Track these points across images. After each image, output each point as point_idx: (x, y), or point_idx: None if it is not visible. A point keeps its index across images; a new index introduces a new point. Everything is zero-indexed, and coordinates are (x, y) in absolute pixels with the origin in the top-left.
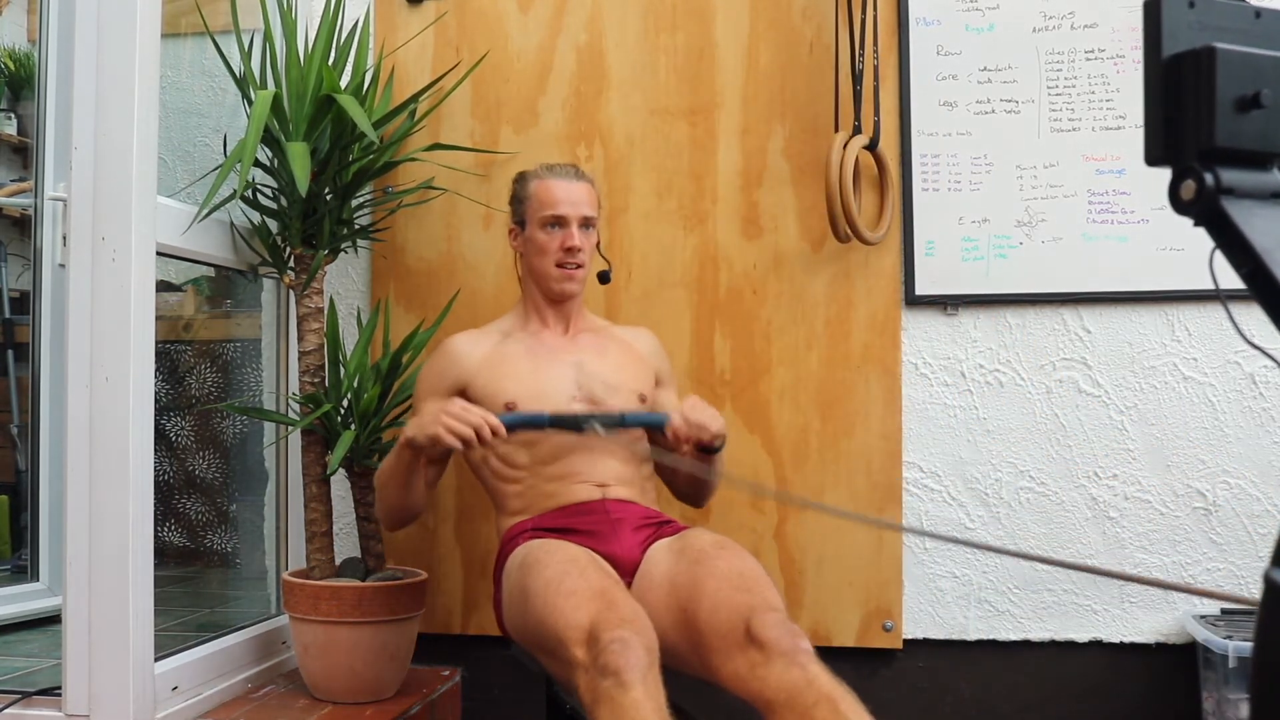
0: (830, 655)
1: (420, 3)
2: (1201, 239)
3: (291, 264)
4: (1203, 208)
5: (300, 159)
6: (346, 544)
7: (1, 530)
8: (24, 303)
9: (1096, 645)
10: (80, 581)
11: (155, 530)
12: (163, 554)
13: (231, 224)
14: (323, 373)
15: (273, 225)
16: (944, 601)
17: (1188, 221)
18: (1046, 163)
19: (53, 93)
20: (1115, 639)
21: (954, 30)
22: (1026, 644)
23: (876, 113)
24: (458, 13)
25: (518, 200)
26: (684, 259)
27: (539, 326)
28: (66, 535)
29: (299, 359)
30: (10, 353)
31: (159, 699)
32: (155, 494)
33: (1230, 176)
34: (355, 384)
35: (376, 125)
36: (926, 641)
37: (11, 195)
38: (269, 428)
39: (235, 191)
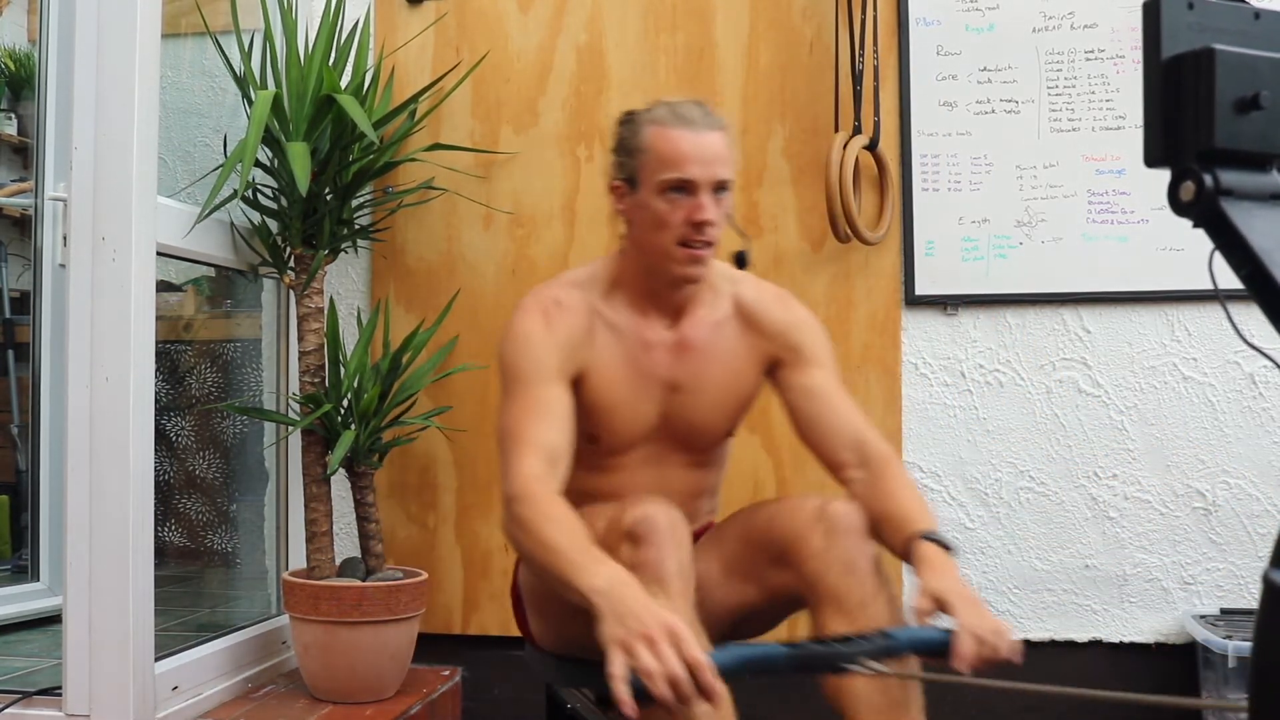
0: None
1: (420, 3)
2: (1201, 239)
3: (292, 264)
4: (1202, 209)
5: (300, 159)
6: (346, 544)
7: (2, 530)
8: (24, 303)
9: (1096, 645)
10: (80, 581)
11: (155, 530)
12: (163, 554)
13: (232, 224)
14: (323, 373)
15: (273, 225)
16: None
17: (1187, 222)
18: (1046, 163)
19: (53, 93)
20: (1115, 639)
21: (954, 30)
22: (1026, 644)
23: (876, 113)
24: (458, 13)
25: (626, 150)
26: None
27: (636, 317)
28: (67, 535)
29: (299, 359)
30: (11, 353)
31: (159, 699)
32: (155, 494)
33: (1229, 178)
34: (355, 384)
35: (376, 125)
36: None
37: (12, 195)
38: (269, 428)
39: (235, 192)
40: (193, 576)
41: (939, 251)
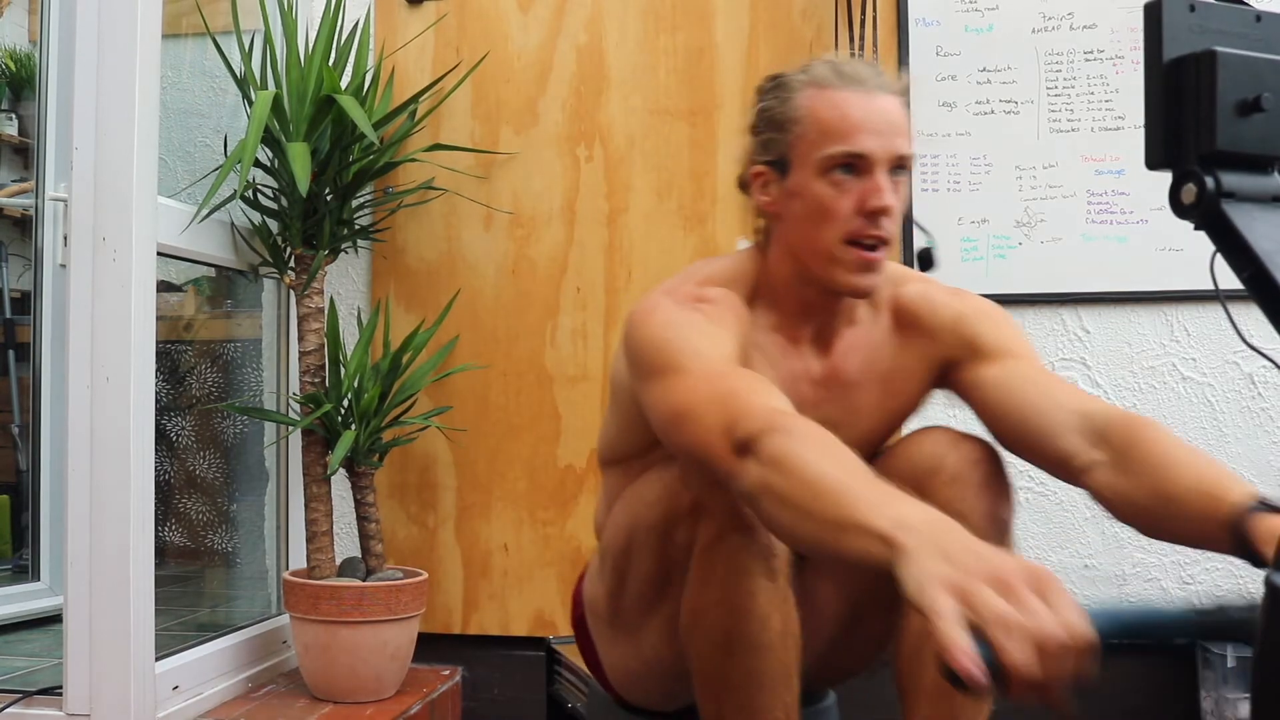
0: None
1: (420, 3)
2: (1200, 239)
3: (292, 264)
4: (1203, 212)
5: (300, 159)
6: (346, 544)
7: (3, 530)
8: (25, 303)
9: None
10: (81, 581)
11: (156, 530)
12: (163, 554)
13: (232, 224)
14: (323, 373)
15: (273, 225)
16: None
17: (1186, 222)
18: (1046, 163)
19: (54, 93)
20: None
21: (953, 31)
22: None
23: None
24: (458, 13)
25: (774, 123)
26: (684, 259)
27: (782, 341)
28: (67, 535)
29: (299, 359)
30: (11, 353)
31: (160, 698)
32: (156, 494)
33: (1231, 180)
34: (355, 384)
35: (377, 126)
36: None
37: (12, 195)
38: (269, 428)
39: (236, 192)
40: (193, 576)
41: (938, 251)
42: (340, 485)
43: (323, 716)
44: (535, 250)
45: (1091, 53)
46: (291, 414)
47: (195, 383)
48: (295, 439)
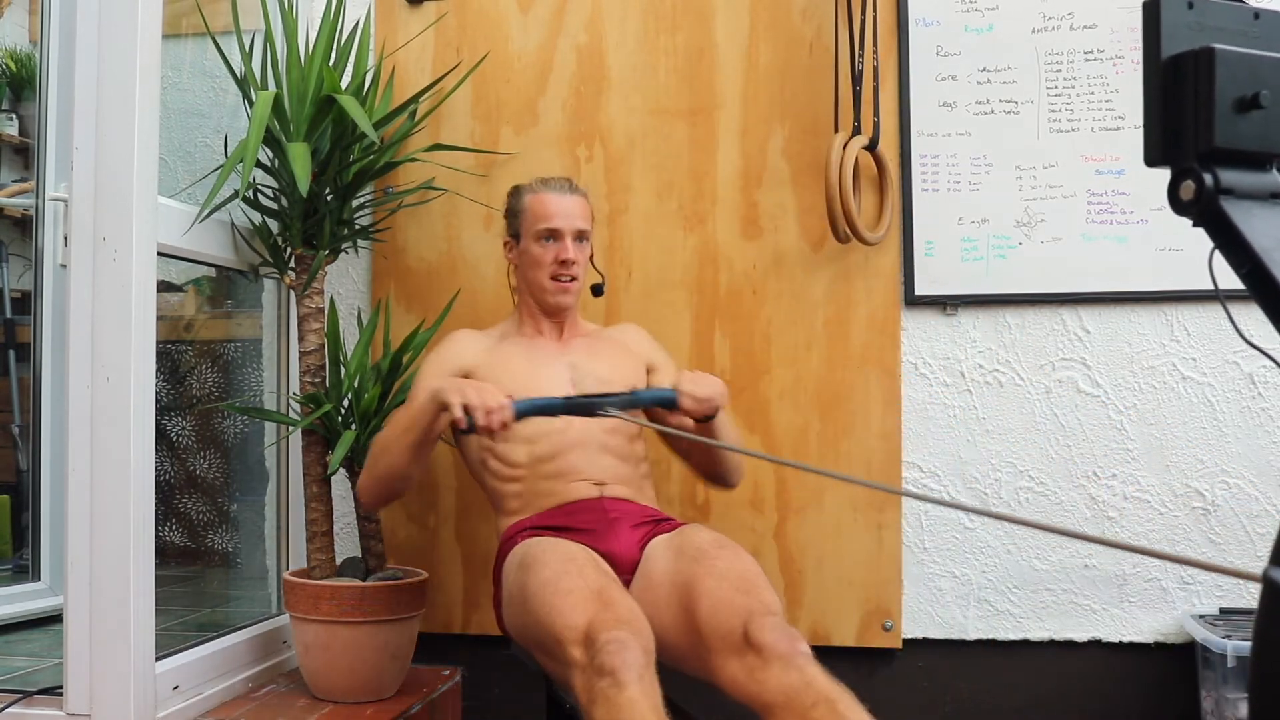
0: (830, 655)
1: (420, 3)
2: (1201, 239)
3: (292, 264)
4: (1202, 208)
5: (301, 159)
6: (347, 544)
7: (3, 530)
8: (25, 303)
9: (1096, 645)
10: (81, 581)
11: (156, 530)
12: (163, 554)
13: (232, 224)
14: (323, 373)
15: (273, 225)
16: (943, 601)
17: (1187, 222)
18: (1046, 163)
19: (54, 93)
20: (1114, 638)
21: (953, 31)
22: (1026, 644)
23: (876, 113)
24: (458, 13)
25: (512, 214)
26: (684, 259)
27: (534, 333)
28: (68, 535)
29: (299, 359)
30: (12, 353)
31: (160, 698)
32: (156, 494)
33: (1229, 177)
34: (356, 384)
35: (377, 126)
36: (926, 641)
37: (13, 196)
38: (269, 428)
39: (236, 192)
40: (193, 576)
41: (938, 252)
42: (340, 485)
43: (323, 716)
44: None
45: (1091, 53)
46: (292, 414)
47: (195, 383)
48: (295, 439)
